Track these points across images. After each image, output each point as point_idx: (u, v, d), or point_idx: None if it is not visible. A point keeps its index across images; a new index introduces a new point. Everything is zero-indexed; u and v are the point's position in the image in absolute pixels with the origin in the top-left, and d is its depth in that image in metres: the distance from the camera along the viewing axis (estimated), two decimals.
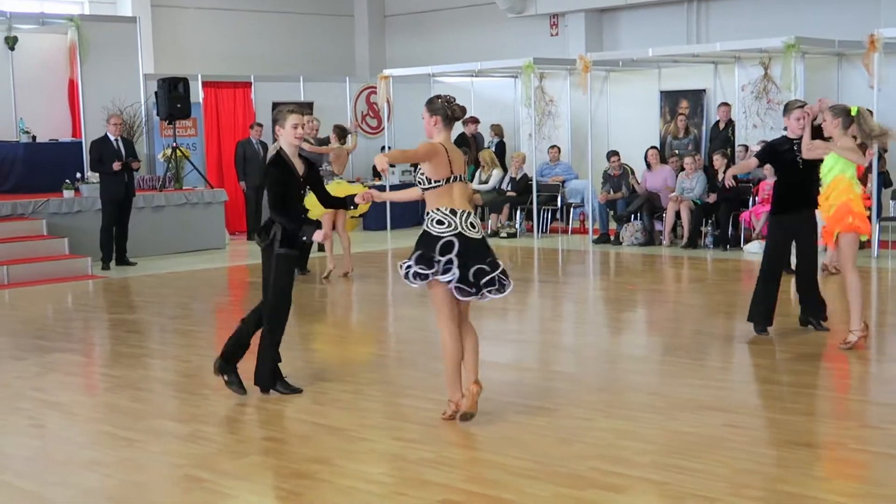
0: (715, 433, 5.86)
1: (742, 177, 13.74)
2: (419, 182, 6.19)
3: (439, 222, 6.08)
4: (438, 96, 6.29)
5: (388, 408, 6.71)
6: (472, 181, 17.47)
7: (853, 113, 8.00)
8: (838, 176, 8.01)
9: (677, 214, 14.85)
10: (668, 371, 7.65)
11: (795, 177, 8.34)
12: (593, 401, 6.69)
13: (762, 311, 8.45)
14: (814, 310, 8.67)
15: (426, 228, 6.11)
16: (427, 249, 6.05)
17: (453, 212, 6.12)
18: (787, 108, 8.53)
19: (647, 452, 5.51)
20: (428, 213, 6.13)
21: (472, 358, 6.18)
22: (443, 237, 6.05)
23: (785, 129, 8.56)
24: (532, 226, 16.82)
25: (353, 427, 6.24)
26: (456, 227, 6.08)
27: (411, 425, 6.27)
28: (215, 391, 7.23)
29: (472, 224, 6.18)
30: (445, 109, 6.20)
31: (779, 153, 8.44)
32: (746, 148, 14.75)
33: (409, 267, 6.05)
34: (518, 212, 17.01)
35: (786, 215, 8.38)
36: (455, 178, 6.20)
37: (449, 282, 6.01)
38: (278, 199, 6.79)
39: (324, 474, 5.34)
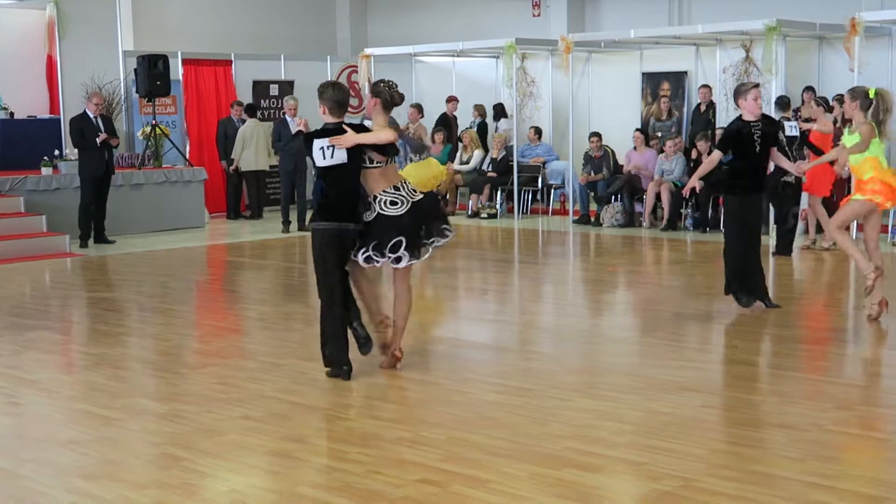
0: (692, 414, 5.88)
1: (724, 159, 13.74)
2: (366, 162, 6.60)
3: (392, 203, 6.60)
4: (382, 80, 6.85)
5: (366, 387, 6.70)
6: (453, 161, 17.46)
7: (871, 95, 8.24)
8: (870, 159, 8.22)
9: (657, 196, 14.89)
10: (647, 352, 7.67)
11: (753, 160, 8.52)
12: (571, 381, 6.71)
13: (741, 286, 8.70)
14: (762, 288, 8.78)
15: (380, 211, 6.61)
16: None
17: (397, 188, 6.66)
18: (741, 91, 8.58)
19: (625, 433, 5.53)
20: (376, 197, 6.61)
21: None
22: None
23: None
24: (513, 207, 16.82)
25: (330, 406, 6.25)
26: (407, 201, 6.63)
27: (389, 405, 6.27)
28: (193, 370, 7.22)
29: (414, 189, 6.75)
30: (386, 94, 6.70)
31: (741, 136, 8.51)
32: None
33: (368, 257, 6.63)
34: (499, 192, 17.00)
35: (746, 196, 8.52)
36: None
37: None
38: None
39: (301, 453, 5.34)
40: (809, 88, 14.27)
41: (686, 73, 16.71)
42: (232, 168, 16.87)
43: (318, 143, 6.52)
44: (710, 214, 14.33)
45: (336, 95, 6.61)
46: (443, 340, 8.21)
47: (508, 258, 13.27)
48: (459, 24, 20.22)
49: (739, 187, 8.54)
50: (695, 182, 8.81)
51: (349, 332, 6.79)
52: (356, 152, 6.53)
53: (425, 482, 4.84)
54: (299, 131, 6.76)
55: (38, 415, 6.31)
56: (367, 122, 6.90)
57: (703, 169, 8.83)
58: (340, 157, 6.47)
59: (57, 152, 14.93)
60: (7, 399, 6.59)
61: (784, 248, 11.92)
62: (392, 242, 6.58)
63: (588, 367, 7.30)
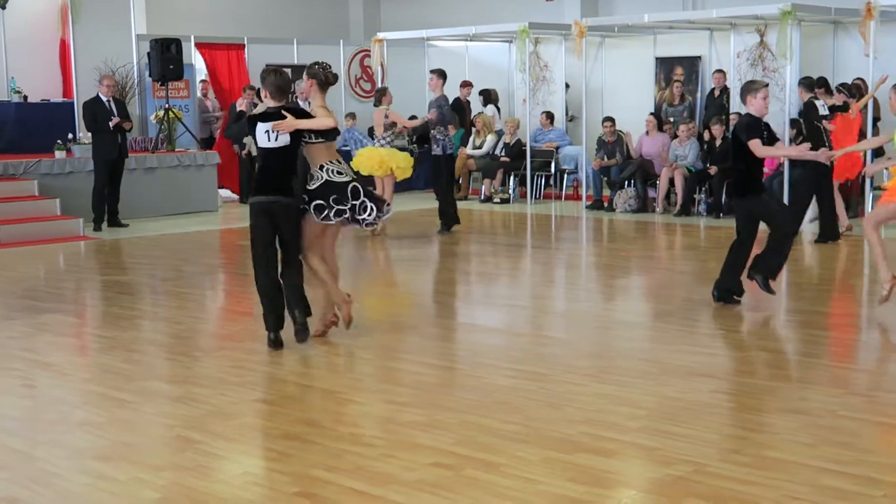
0: (705, 399, 5.88)
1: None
2: (307, 137, 7.02)
3: (339, 172, 7.09)
4: (316, 62, 7.27)
5: (381, 371, 6.72)
6: (465, 146, 17.43)
7: None
8: None
9: (671, 181, 14.85)
10: (660, 337, 7.67)
11: (760, 159, 8.21)
12: (584, 366, 6.71)
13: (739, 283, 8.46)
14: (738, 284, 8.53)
15: (328, 178, 7.06)
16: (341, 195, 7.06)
17: (340, 162, 7.21)
18: (752, 89, 8.17)
19: (638, 418, 5.53)
20: (322, 166, 7.07)
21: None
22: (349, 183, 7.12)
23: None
24: (525, 192, 16.79)
25: (344, 390, 6.26)
26: (351, 176, 7.20)
27: (403, 388, 6.29)
28: (207, 353, 7.25)
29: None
30: (321, 75, 7.13)
31: (760, 128, 8.15)
32: (740, 116, 14.71)
33: (329, 209, 7.01)
34: (511, 177, 16.98)
35: (755, 197, 8.22)
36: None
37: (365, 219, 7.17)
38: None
39: (314, 436, 5.36)
40: (822, 82, 14.10)
41: (700, 57, 16.64)
42: (245, 152, 16.88)
43: (262, 127, 6.95)
44: (723, 200, 14.29)
45: (277, 81, 6.96)
46: (456, 325, 8.22)
47: (521, 243, 13.26)
48: (472, 9, 20.16)
49: (753, 189, 8.21)
50: (826, 155, 9.06)
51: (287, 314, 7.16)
52: (297, 134, 6.97)
53: (438, 466, 4.86)
54: (241, 111, 7.04)
55: (53, 397, 6.35)
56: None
57: (790, 153, 8.53)
58: (284, 139, 6.92)
59: (70, 136, 14.95)
60: (22, 381, 6.63)
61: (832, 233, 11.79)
62: (350, 196, 7.06)
63: (601, 351, 7.31)
